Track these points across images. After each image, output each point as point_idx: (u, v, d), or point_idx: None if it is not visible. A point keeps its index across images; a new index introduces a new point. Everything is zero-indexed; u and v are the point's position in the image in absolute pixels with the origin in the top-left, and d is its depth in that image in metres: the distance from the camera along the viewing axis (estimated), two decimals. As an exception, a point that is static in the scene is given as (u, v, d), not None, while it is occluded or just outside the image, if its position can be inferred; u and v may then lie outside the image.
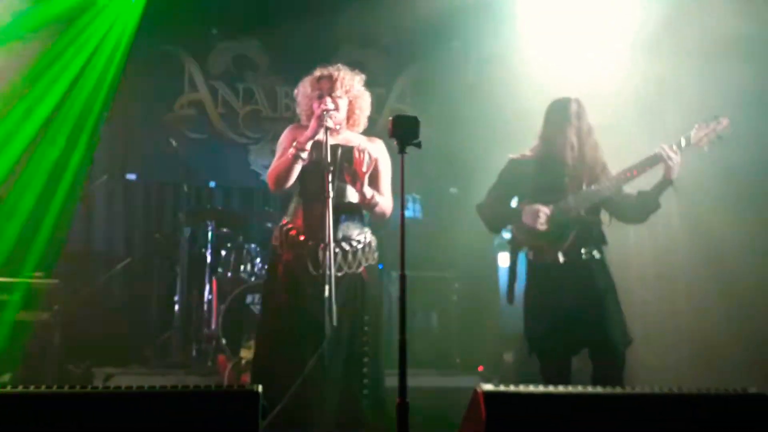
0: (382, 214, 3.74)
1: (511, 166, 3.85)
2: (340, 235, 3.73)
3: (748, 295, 4.59)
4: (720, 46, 4.66)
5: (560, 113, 3.75)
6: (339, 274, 3.63)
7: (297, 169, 3.65)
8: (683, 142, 3.59)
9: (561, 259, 3.62)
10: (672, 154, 3.54)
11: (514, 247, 3.83)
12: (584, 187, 3.67)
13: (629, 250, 5.16)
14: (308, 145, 3.61)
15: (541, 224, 3.61)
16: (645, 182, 3.70)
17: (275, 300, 3.76)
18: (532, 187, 3.73)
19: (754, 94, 4.46)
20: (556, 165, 3.71)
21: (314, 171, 3.67)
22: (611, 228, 3.83)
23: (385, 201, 3.74)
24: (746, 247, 4.61)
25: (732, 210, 4.62)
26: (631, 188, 3.73)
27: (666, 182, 3.59)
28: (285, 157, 3.66)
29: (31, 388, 2.35)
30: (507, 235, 3.90)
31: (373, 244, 3.85)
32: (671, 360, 4.97)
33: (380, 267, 6.33)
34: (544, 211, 3.62)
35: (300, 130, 3.83)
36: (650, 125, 4.89)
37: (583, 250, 3.64)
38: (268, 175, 3.79)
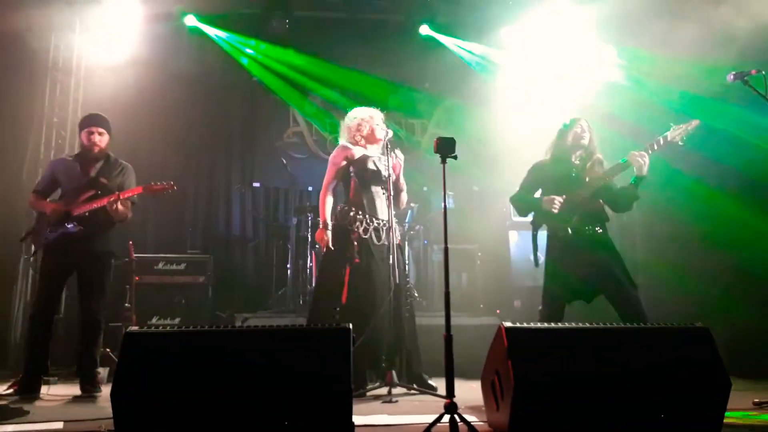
0: (405, 200, 3.87)
1: (534, 169, 3.68)
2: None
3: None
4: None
5: (571, 127, 3.59)
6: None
7: None
8: (662, 141, 3.36)
9: (569, 233, 3.45)
10: (640, 158, 3.34)
11: (535, 226, 3.65)
12: (587, 179, 3.51)
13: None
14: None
15: (555, 208, 3.47)
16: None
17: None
18: (549, 180, 3.58)
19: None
20: (567, 164, 3.57)
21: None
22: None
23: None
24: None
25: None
26: (619, 182, 3.54)
27: (640, 178, 3.39)
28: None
29: (194, 327, 2.39)
30: (530, 217, 3.69)
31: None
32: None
33: (425, 242, 6.29)
34: (558, 199, 3.49)
35: (346, 150, 3.81)
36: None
37: (586, 227, 3.46)
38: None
